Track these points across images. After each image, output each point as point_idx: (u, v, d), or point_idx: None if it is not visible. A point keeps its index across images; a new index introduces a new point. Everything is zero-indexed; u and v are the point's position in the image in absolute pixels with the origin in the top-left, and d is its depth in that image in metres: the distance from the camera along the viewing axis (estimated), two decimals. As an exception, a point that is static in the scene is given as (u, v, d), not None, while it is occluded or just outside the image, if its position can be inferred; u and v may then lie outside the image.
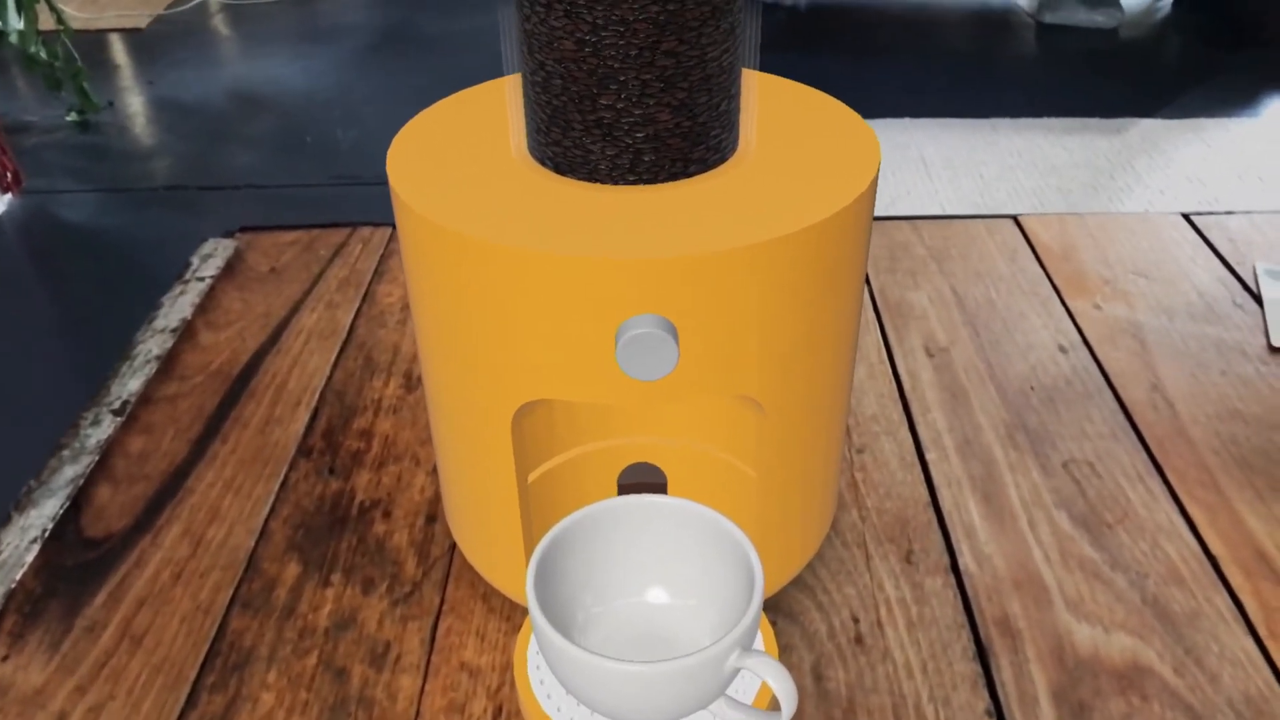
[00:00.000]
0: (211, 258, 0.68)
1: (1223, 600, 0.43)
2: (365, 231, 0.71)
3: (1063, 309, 0.61)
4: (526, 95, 0.38)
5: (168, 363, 0.59)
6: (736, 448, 0.41)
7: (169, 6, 3.54)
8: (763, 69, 0.44)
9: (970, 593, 0.44)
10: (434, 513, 0.49)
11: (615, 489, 0.44)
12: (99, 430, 0.54)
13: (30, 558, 0.47)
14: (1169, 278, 0.63)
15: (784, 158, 0.38)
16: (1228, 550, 0.46)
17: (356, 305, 0.63)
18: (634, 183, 0.37)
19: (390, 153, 0.40)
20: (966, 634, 0.42)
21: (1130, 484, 0.49)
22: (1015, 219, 0.69)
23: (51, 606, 0.45)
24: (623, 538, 0.38)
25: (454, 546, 0.47)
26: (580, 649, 0.33)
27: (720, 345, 0.35)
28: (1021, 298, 0.62)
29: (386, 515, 0.49)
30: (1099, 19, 3.18)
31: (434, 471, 0.51)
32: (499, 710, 0.40)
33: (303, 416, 0.55)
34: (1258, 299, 0.61)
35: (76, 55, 2.57)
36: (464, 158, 0.39)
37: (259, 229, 0.71)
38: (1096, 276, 0.64)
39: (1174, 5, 3.35)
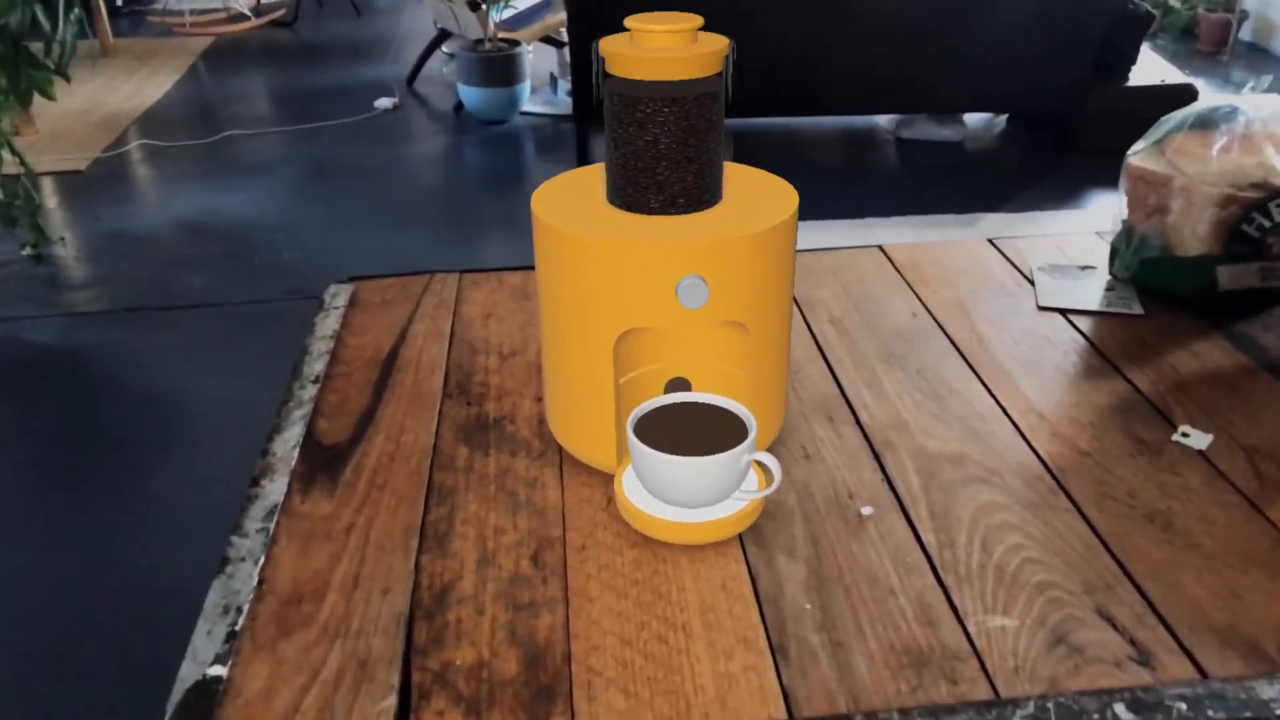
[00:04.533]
0: (337, 295, 0.97)
1: (1005, 424, 0.76)
2: (440, 276, 1.01)
3: (912, 293, 0.96)
4: (610, 168, 0.70)
5: (334, 355, 0.88)
6: (733, 359, 0.73)
7: (105, 150, 3.79)
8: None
9: (867, 431, 0.76)
10: (542, 419, 0.79)
11: (663, 389, 0.75)
12: (306, 391, 0.82)
13: (295, 453, 0.75)
14: (980, 274, 0.99)
15: (745, 200, 0.71)
16: (1008, 401, 0.79)
17: (450, 318, 0.94)
18: (673, 214, 0.69)
19: (534, 202, 0.72)
20: (867, 451, 0.74)
21: (956, 378, 0.83)
22: (880, 248, 1.04)
23: (319, 478, 0.73)
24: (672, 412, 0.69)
25: (555, 441, 0.77)
26: (659, 451, 0.63)
27: (726, 290, 0.67)
28: (886, 290, 0.96)
29: (512, 421, 0.79)
30: (947, 134, 3.73)
31: (537, 399, 0.81)
32: (607, 501, 0.70)
33: (438, 379, 0.84)
34: (1032, 284, 0.97)
35: (35, 195, 2.81)
36: (581, 203, 0.71)
37: (366, 278, 1.01)
38: (934, 276, 0.99)
39: (1008, 121, 3.94)
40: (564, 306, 0.70)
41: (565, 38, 4.52)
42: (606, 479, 0.72)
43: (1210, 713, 0.53)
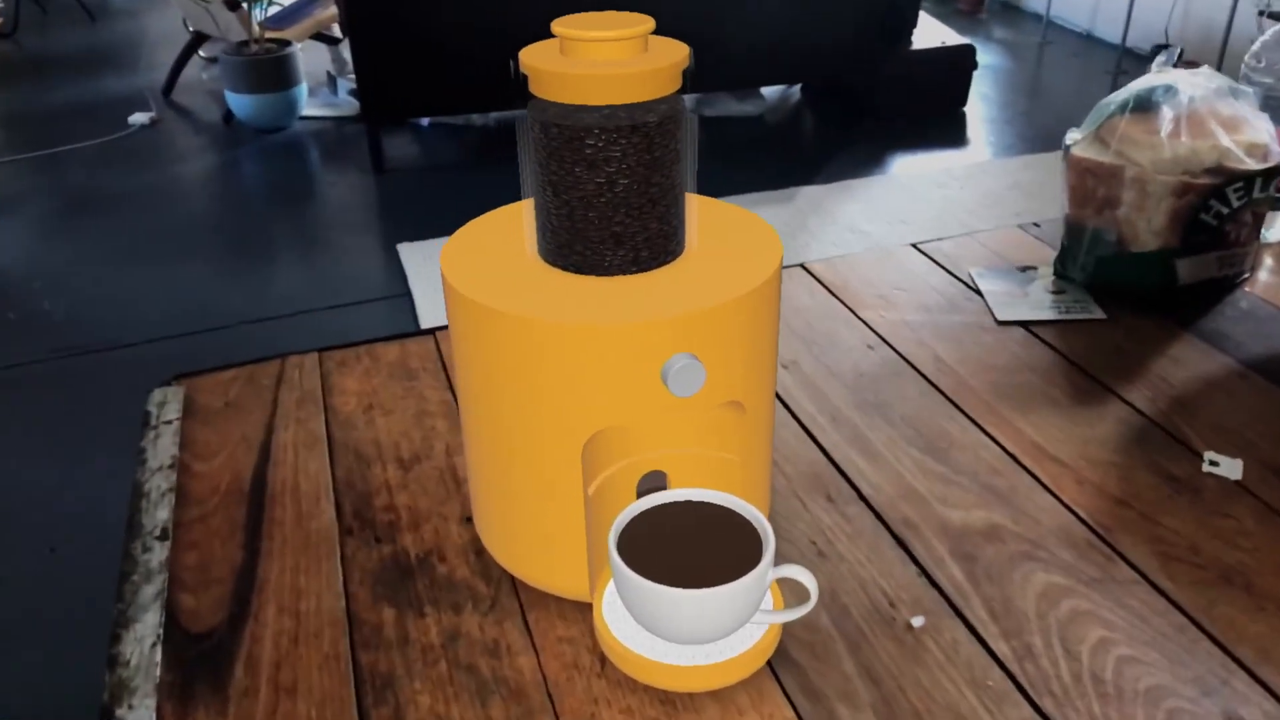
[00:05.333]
0: (166, 404, 0.76)
1: (1022, 475, 0.66)
2: (295, 359, 0.81)
3: (859, 321, 0.84)
4: (547, 221, 0.54)
5: (180, 494, 0.67)
6: (726, 444, 0.58)
7: None
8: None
9: (878, 509, 0.64)
10: (479, 549, 0.62)
11: (636, 493, 0.60)
12: (153, 555, 0.62)
13: (158, 658, 0.55)
14: (917, 289, 0.89)
15: (713, 245, 0.57)
16: (1016, 446, 0.69)
17: (323, 417, 0.74)
18: (634, 273, 0.54)
19: (447, 269, 0.55)
20: (885, 534, 0.62)
21: (946, 422, 0.72)
22: (804, 266, 0.93)
23: (199, 690, 0.53)
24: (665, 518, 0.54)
25: (505, 574, 0.60)
26: (660, 583, 0.49)
27: (721, 365, 0.52)
28: (828, 320, 0.85)
29: (442, 559, 0.61)
30: (748, 109, 3.71)
31: (466, 520, 0.64)
32: (602, 660, 0.54)
33: (328, 508, 0.66)
34: (978, 292, 0.88)
35: None
36: (507, 264, 0.54)
37: (195, 373, 0.79)
38: (871, 296, 0.88)
39: (803, 91, 3.97)
40: (508, 404, 0.53)
41: (339, 33, 4.19)
42: (584, 620, 0.57)
43: None
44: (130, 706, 0.52)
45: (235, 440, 0.72)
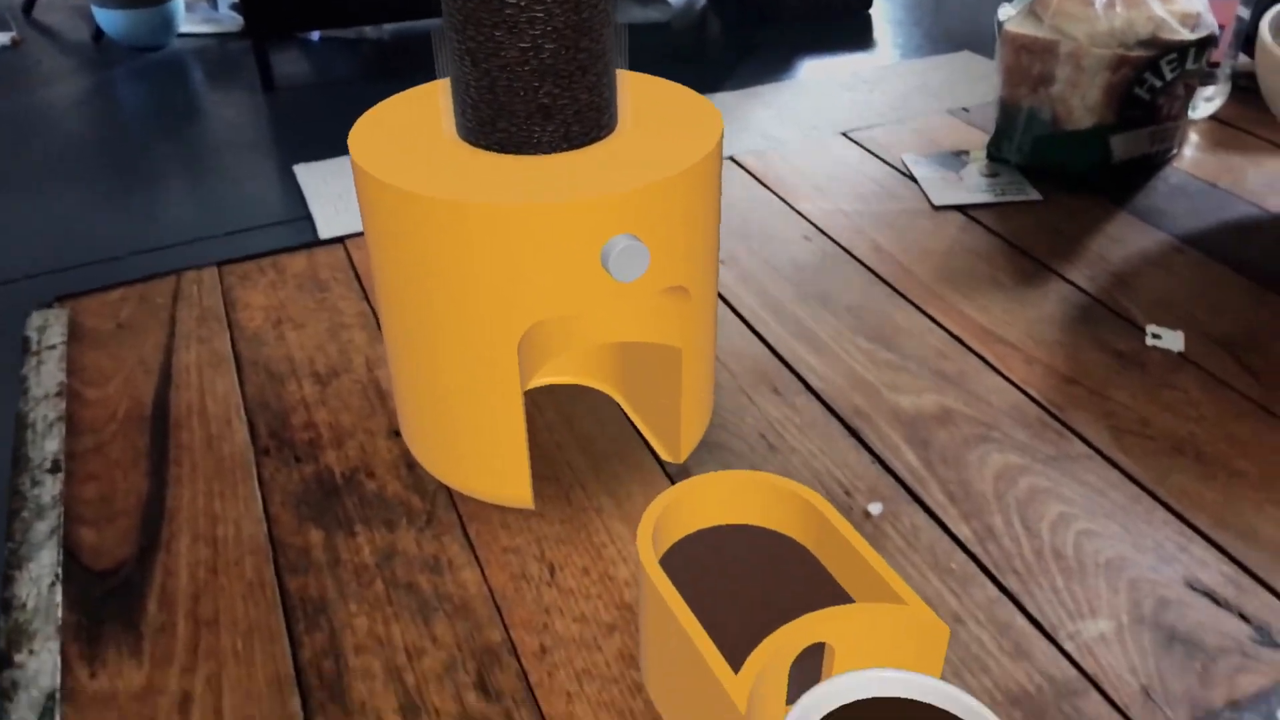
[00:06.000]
0: (47, 328, 0.69)
1: (970, 359, 0.65)
2: (192, 275, 0.74)
3: (793, 212, 0.81)
4: (466, 96, 0.49)
5: (71, 422, 0.61)
6: (669, 334, 0.55)
7: None
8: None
9: (827, 399, 0.62)
10: (410, 463, 0.58)
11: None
12: (44, 489, 0.56)
13: (57, 596, 0.49)
14: (851, 178, 0.86)
15: (647, 120, 0.52)
16: (962, 330, 0.67)
17: (228, 334, 0.68)
18: (566, 150, 0.49)
19: (357, 151, 0.49)
20: (836, 424, 0.60)
21: (889, 307, 0.70)
22: (733, 159, 0.89)
23: (107, 630, 0.48)
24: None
25: (440, 487, 0.56)
26: None
27: (664, 247, 0.49)
28: (763, 213, 0.81)
29: (370, 475, 0.57)
30: (653, 14, 3.60)
31: (392, 435, 0.60)
32: (551, 569, 0.51)
33: (240, 429, 0.60)
34: (912, 178, 0.85)
35: None
36: (426, 147, 0.49)
37: (80, 294, 0.72)
38: (804, 186, 0.85)
39: (709, -4, 3.87)
40: (434, 301, 0.49)
41: (213, -58, 3.92)
42: (529, 529, 0.53)
43: (1376, 695, 0.44)
44: (31, 651, 0.47)
45: (130, 364, 0.66)
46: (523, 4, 0.45)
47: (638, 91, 0.55)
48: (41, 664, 0.46)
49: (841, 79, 3.28)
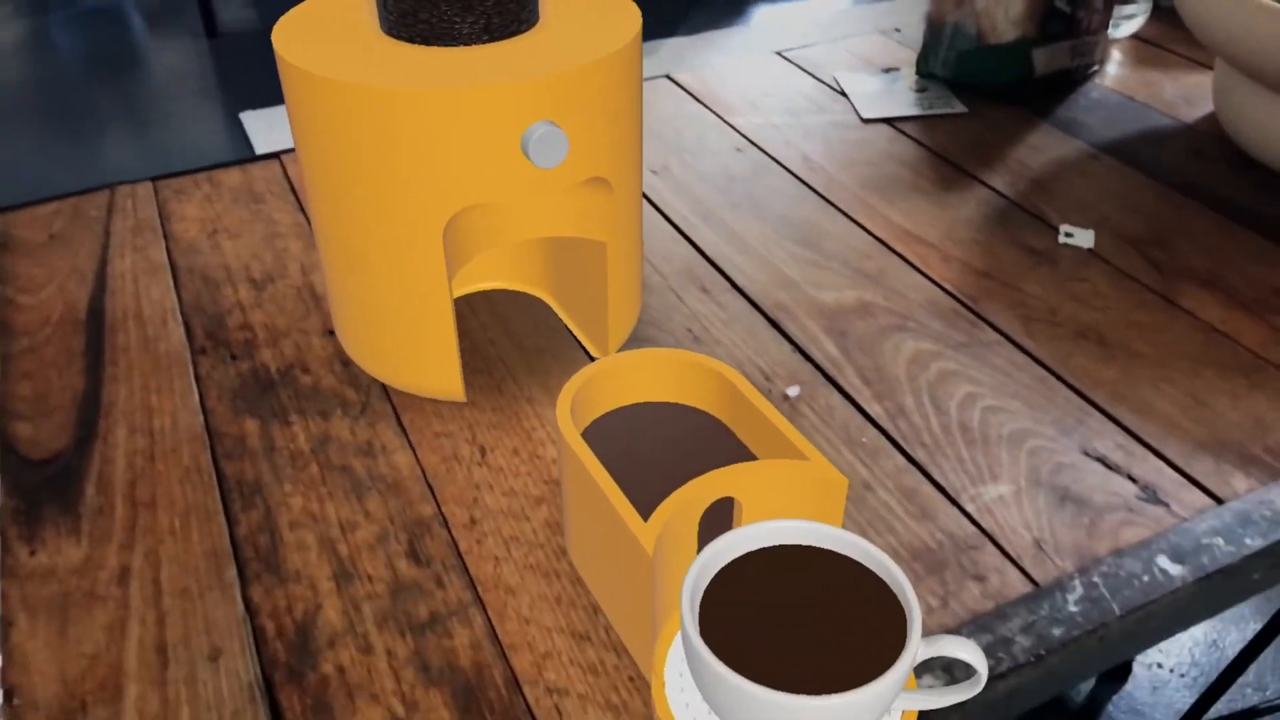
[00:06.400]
0: (-20, 239, 0.69)
1: (891, 258, 0.67)
2: (125, 189, 0.75)
3: (726, 125, 0.83)
4: (388, -14, 0.49)
5: (4, 327, 0.61)
6: (591, 227, 0.57)
7: None
8: None
9: (752, 296, 0.64)
10: (345, 361, 0.59)
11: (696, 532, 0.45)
12: (-20, 387, 0.57)
13: (-4, 485, 0.51)
14: (783, 94, 0.87)
15: (566, 16, 0.53)
16: (884, 233, 0.69)
17: (163, 244, 0.69)
18: (486, 41, 0.50)
19: (280, 45, 0.50)
20: (759, 318, 0.62)
21: (816, 213, 0.72)
22: (669, 76, 0.90)
23: (47, 511, 0.49)
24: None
25: (375, 382, 0.58)
26: (768, 689, 0.33)
27: (583, 135, 0.50)
28: (695, 127, 0.83)
29: (305, 370, 0.58)
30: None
31: (328, 333, 0.61)
32: (482, 450, 0.53)
33: (176, 330, 0.61)
34: (843, 94, 0.87)
35: None
36: (350, 40, 0.50)
37: (10, 208, 0.72)
38: (739, 101, 0.86)
39: (661, -59, 3.83)
40: (361, 192, 0.50)
41: (150, -116, 3.80)
42: (462, 417, 0.55)
43: (1248, 541, 0.47)
44: (-31, 533, 0.48)
45: (64, 272, 0.66)
46: None
47: (558, -12, 0.56)
48: (-20, 543, 0.48)
49: (799, 23, 3.28)
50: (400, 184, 0.48)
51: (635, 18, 0.53)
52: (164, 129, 2.78)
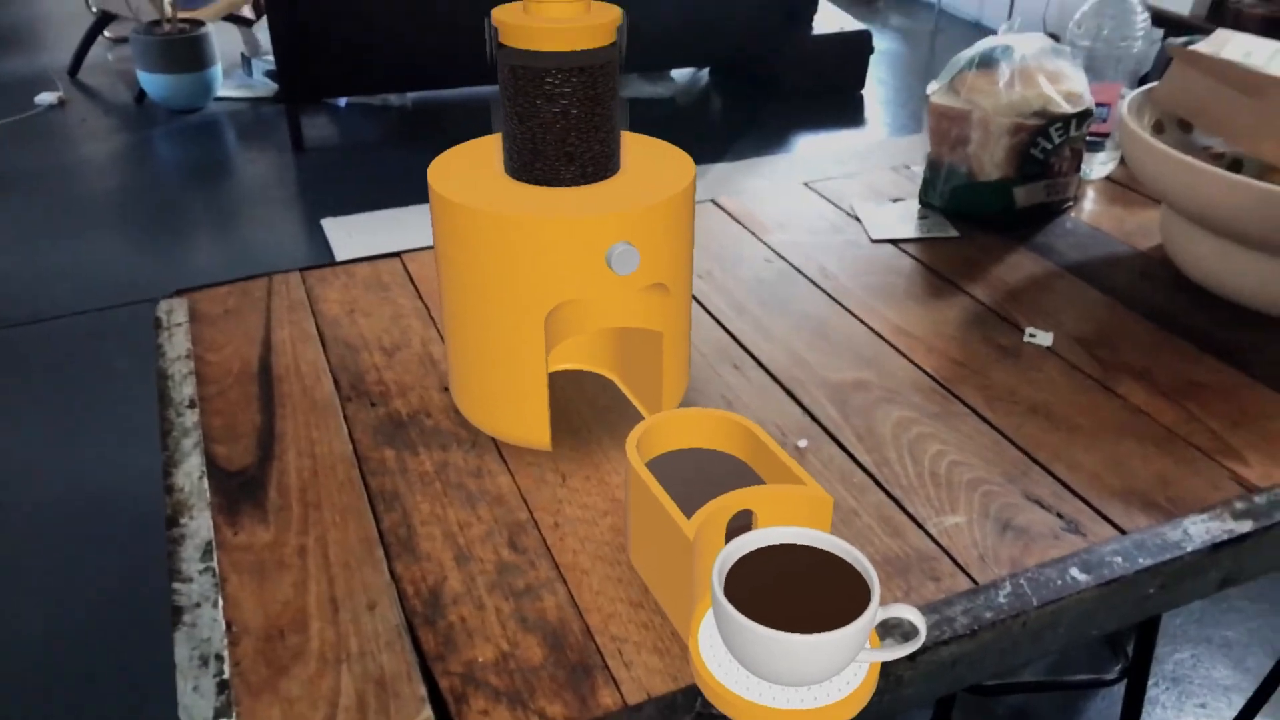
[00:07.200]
0: (173, 312, 0.88)
1: (885, 347, 0.84)
2: (280, 277, 0.94)
3: (759, 241, 1.01)
4: (513, 144, 0.68)
5: (200, 376, 0.80)
6: (653, 319, 0.74)
7: None
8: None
9: (773, 372, 0.81)
10: (456, 409, 0.77)
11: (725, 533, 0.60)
12: (186, 418, 0.75)
13: (205, 485, 0.68)
14: (809, 216, 1.06)
15: (642, 165, 0.72)
16: (882, 328, 0.87)
17: (312, 319, 0.88)
18: (583, 184, 0.69)
19: (435, 181, 0.69)
20: (778, 389, 0.79)
21: (828, 312, 0.89)
22: (714, 202, 1.09)
23: (244, 506, 0.67)
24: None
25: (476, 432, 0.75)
26: (771, 629, 0.48)
27: (650, 252, 0.68)
28: (734, 240, 1.02)
29: (428, 415, 0.76)
30: (659, 90, 3.87)
31: (443, 390, 0.79)
32: (563, 476, 0.70)
33: (327, 383, 0.80)
34: (857, 219, 1.06)
35: None
36: (483, 179, 0.69)
37: (194, 289, 0.92)
38: (770, 222, 1.05)
39: (710, 74, 4.15)
40: (486, 288, 0.68)
41: (250, 14, 4.21)
42: (547, 452, 0.72)
43: (1141, 560, 0.62)
44: (191, 518, 0.66)
45: (239, 337, 0.85)
46: (557, 82, 0.65)
47: (634, 145, 0.75)
48: (199, 525, 0.65)
49: (833, 153, 3.53)
50: (516, 285, 0.67)
51: (690, 168, 0.72)
52: (253, 231, 3.05)
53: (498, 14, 0.67)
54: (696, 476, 0.64)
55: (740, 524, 0.61)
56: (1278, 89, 0.86)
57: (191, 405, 0.76)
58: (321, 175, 3.44)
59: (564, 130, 0.67)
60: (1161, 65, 1.12)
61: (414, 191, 3.17)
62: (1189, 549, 0.63)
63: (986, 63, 1.00)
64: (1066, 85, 1.00)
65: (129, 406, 2.16)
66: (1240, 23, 3.54)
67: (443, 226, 0.69)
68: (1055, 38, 1.07)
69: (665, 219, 0.68)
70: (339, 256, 2.84)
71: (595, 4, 0.68)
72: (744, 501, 0.58)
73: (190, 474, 0.70)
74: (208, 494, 0.68)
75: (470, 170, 0.71)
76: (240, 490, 0.68)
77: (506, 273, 0.67)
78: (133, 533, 1.78)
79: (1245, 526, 0.65)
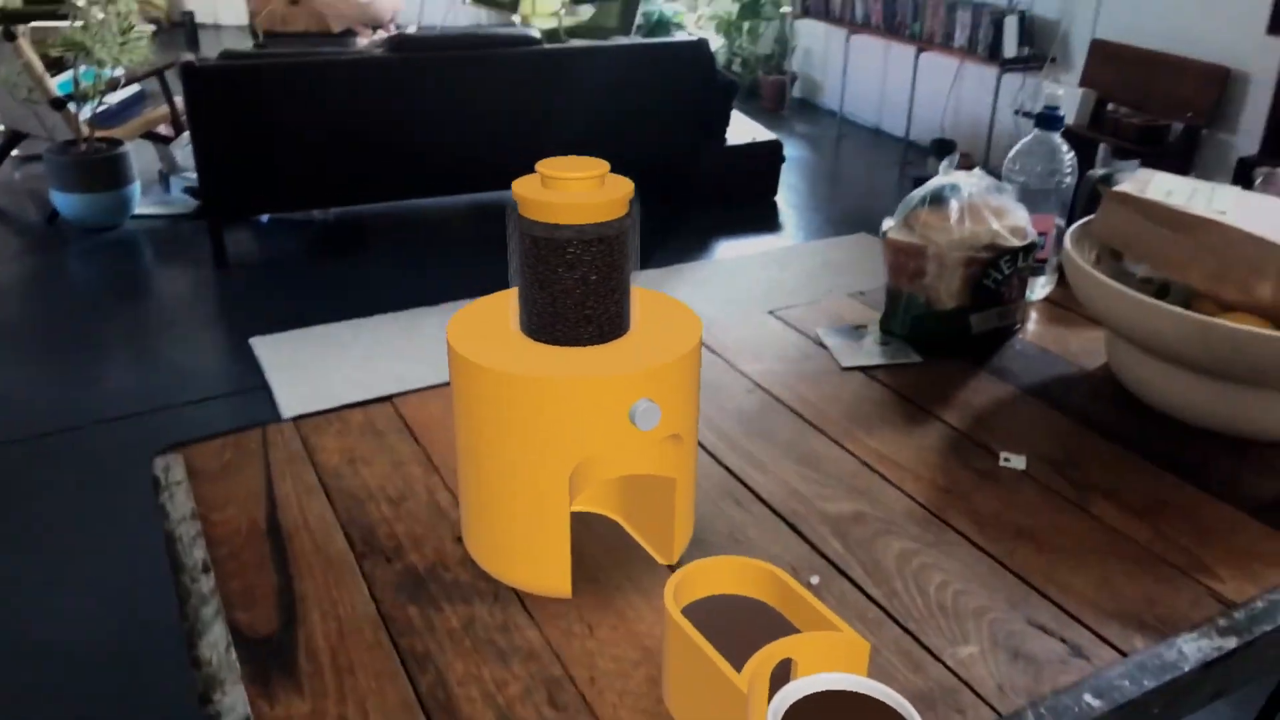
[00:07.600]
0: (170, 469, 0.88)
1: (875, 477, 0.88)
2: (275, 427, 0.95)
3: (736, 371, 1.06)
4: (531, 306, 0.72)
5: (209, 538, 0.80)
6: (667, 467, 0.77)
7: None
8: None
9: (773, 506, 0.84)
10: (471, 560, 0.78)
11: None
12: (202, 584, 0.74)
13: (232, 656, 0.68)
14: (778, 345, 1.12)
15: (651, 321, 0.76)
16: (868, 456, 0.91)
17: (314, 471, 0.88)
18: (600, 344, 0.73)
19: (455, 340, 0.72)
20: (781, 524, 0.82)
21: (813, 441, 0.94)
22: (686, 332, 1.14)
23: (275, 676, 0.67)
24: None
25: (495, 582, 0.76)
26: None
27: (669, 407, 0.72)
28: (714, 371, 1.06)
29: (446, 569, 0.77)
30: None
31: (456, 541, 0.80)
32: (590, 627, 0.71)
33: (339, 539, 0.80)
34: (824, 346, 1.11)
35: None
36: (501, 339, 0.72)
37: (188, 443, 0.91)
38: (746, 353, 1.10)
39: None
40: (511, 446, 0.71)
41: (168, 131, 4.20)
42: (570, 602, 0.74)
43: (1146, 682, 0.67)
44: (224, 693, 0.65)
45: (242, 494, 0.85)
46: (577, 251, 0.69)
47: (644, 302, 0.79)
48: (234, 701, 0.65)
49: (754, 258, 3.66)
50: (544, 442, 0.69)
51: (698, 325, 0.76)
52: (177, 353, 2.99)
53: (518, 188, 0.71)
54: (729, 624, 0.66)
55: (778, 670, 0.63)
56: (1203, 226, 0.96)
57: (206, 569, 0.76)
58: (246, 292, 3.41)
59: (583, 295, 0.71)
60: (1085, 193, 1.23)
61: (342, 306, 3.16)
62: (1186, 668, 0.68)
63: (938, 200, 1.09)
64: (1010, 220, 1.09)
65: (56, 551, 2.08)
66: (1119, 130, 3.83)
67: (466, 388, 0.71)
68: (969, 164, 1.16)
69: (681, 374, 0.72)
70: (270, 376, 2.81)
71: (610, 177, 0.73)
72: (787, 650, 0.60)
73: (215, 645, 0.69)
74: (236, 665, 0.67)
75: (487, 330, 0.74)
76: (270, 658, 0.68)
77: (534, 431, 0.69)
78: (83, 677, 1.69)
79: (1231, 643, 0.70)
